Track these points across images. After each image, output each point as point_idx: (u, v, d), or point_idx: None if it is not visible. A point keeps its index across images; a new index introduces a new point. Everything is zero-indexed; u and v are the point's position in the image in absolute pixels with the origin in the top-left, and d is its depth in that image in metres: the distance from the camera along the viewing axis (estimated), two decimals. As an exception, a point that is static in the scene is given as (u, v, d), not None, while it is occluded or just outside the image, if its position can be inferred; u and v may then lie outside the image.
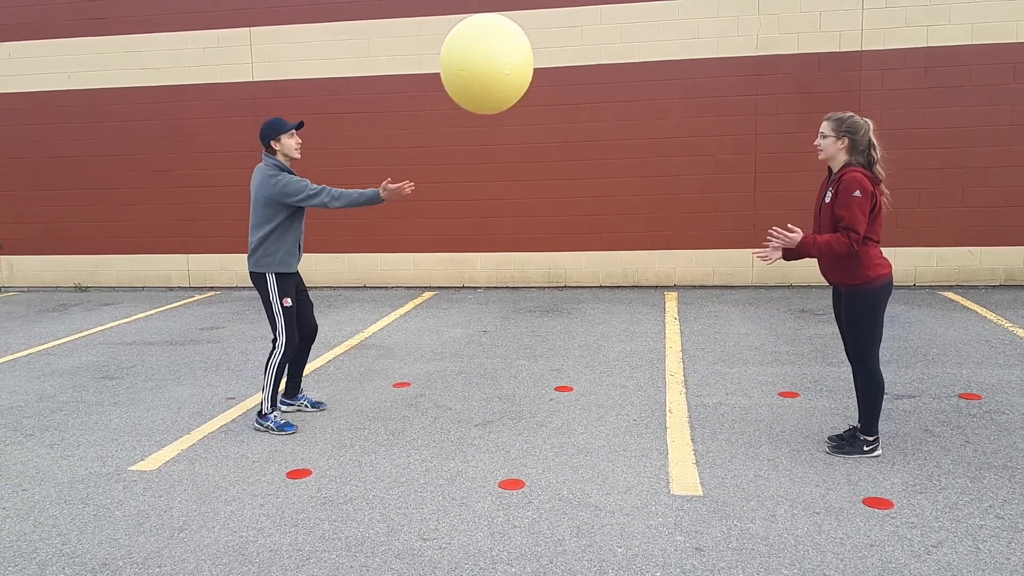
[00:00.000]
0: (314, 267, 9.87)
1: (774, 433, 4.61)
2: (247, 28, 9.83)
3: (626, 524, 3.56)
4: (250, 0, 9.78)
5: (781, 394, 5.30)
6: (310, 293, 5.30)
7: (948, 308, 7.78)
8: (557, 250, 9.61)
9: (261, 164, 4.90)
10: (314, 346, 5.44)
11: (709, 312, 7.96)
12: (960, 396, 5.13)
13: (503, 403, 5.32)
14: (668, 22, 8.98)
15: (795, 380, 5.59)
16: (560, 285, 9.70)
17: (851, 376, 4.48)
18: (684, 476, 4.05)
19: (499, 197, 9.58)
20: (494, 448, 4.52)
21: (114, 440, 4.87)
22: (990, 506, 3.62)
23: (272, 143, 4.84)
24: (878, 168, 4.01)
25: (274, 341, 4.92)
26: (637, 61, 9.09)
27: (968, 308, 7.74)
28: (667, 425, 4.79)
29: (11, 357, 7.07)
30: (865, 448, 4.19)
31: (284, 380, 5.17)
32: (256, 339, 7.44)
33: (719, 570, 3.16)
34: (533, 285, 9.76)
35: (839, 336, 4.42)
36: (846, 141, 4.00)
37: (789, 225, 4.06)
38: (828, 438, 4.40)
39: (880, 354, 4.18)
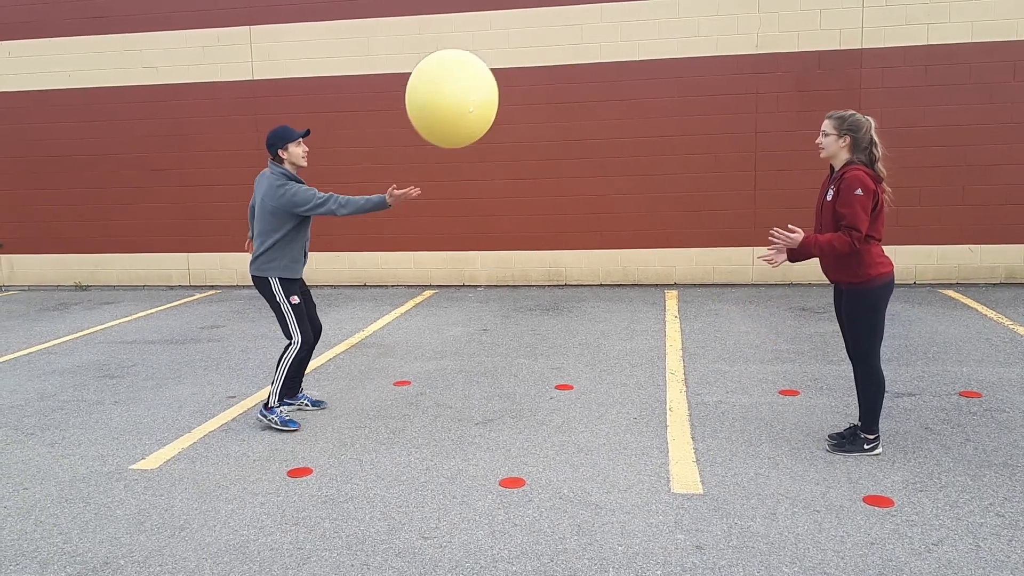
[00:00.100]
0: (315, 266, 9.87)
1: (774, 431, 4.61)
2: (247, 26, 9.82)
3: (627, 522, 3.57)
4: (250, -2, 9.79)
5: (781, 392, 5.30)
6: (311, 292, 5.31)
7: (948, 306, 7.78)
8: (557, 248, 9.61)
9: (267, 172, 4.88)
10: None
11: (709, 310, 7.96)
12: (960, 394, 5.13)
13: (504, 401, 5.32)
14: (668, 20, 8.98)
15: (795, 378, 5.59)
16: (560, 283, 9.70)
17: (851, 374, 4.49)
18: (684, 474, 4.05)
19: (499, 196, 9.58)
20: (495, 446, 4.52)
21: (115, 439, 4.88)
22: (990, 504, 3.62)
23: (279, 151, 4.83)
24: (880, 166, 4.01)
25: (288, 340, 4.94)
26: (637, 59, 9.09)
27: (968, 306, 7.74)
28: (667, 423, 4.79)
29: (12, 356, 7.08)
30: (865, 446, 4.19)
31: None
32: (257, 338, 7.44)
33: (720, 568, 3.17)
34: (533, 284, 9.76)
35: (839, 334, 4.43)
36: (848, 139, 4.00)
37: (790, 226, 4.06)
38: (828, 436, 4.41)
39: (880, 352, 4.18)
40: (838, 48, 8.72)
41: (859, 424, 4.27)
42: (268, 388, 5.78)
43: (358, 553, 3.39)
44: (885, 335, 4.32)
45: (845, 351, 4.38)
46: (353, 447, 4.60)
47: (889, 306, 4.23)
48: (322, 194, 4.75)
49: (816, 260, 4.24)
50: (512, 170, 9.52)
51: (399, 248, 9.95)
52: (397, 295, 9.47)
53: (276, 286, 4.87)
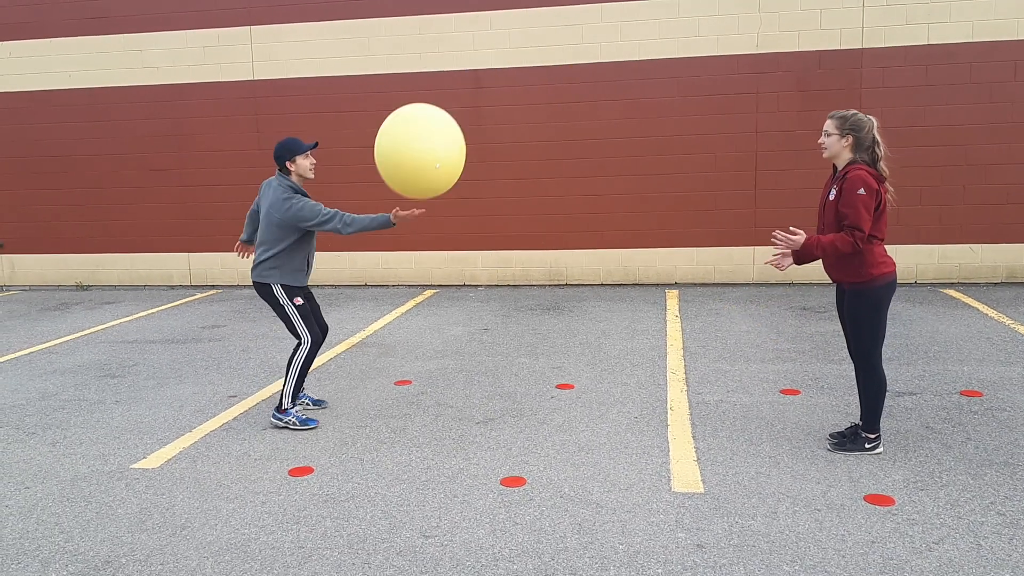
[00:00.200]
0: (315, 265, 9.82)
1: (775, 430, 4.61)
2: (247, 27, 9.83)
3: (627, 521, 3.57)
4: (251, -1, 9.80)
5: (782, 391, 5.30)
6: (313, 292, 5.31)
7: (949, 305, 7.78)
8: (558, 248, 9.62)
9: (273, 181, 4.86)
10: (315, 344, 5.45)
11: (710, 310, 7.96)
12: (961, 393, 5.13)
13: (504, 401, 5.32)
14: (668, 20, 8.98)
15: (796, 377, 5.59)
16: (561, 283, 9.70)
17: (852, 373, 4.50)
18: (685, 473, 4.05)
19: (500, 195, 9.58)
20: (495, 446, 4.53)
21: (116, 438, 4.88)
22: (991, 503, 3.62)
23: (287, 163, 4.82)
24: (882, 165, 4.00)
25: (298, 341, 4.93)
26: (638, 59, 9.09)
27: (969, 305, 7.74)
28: (668, 422, 4.79)
29: (13, 356, 7.08)
30: (866, 445, 4.19)
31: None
32: (258, 337, 7.45)
33: (720, 567, 3.17)
34: (534, 283, 9.76)
35: (840, 333, 4.43)
36: (850, 139, 4.00)
37: (791, 228, 4.06)
38: (829, 435, 4.41)
39: (882, 351, 4.18)
40: (838, 48, 8.72)
41: (860, 423, 4.27)
42: (269, 387, 5.79)
43: (359, 552, 3.40)
44: (886, 334, 4.32)
45: (846, 350, 4.37)
46: (354, 446, 4.61)
47: (890, 305, 4.23)
48: (328, 211, 4.72)
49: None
50: (513, 170, 9.52)
51: (400, 248, 9.96)
52: (398, 295, 9.47)
53: (279, 290, 4.86)
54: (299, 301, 4.90)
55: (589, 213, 9.44)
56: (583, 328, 7.34)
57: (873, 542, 3.31)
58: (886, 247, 4.13)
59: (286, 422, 4.90)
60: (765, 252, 9.10)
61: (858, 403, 4.33)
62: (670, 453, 4.32)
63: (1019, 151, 8.59)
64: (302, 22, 9.68)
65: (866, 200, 3.88)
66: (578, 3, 9.11)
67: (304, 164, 4.84)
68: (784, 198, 8.94)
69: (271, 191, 4.83)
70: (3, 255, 10.94)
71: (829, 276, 4.26)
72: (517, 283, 9.78)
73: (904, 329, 6.80)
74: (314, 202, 4.77)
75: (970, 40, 8.48)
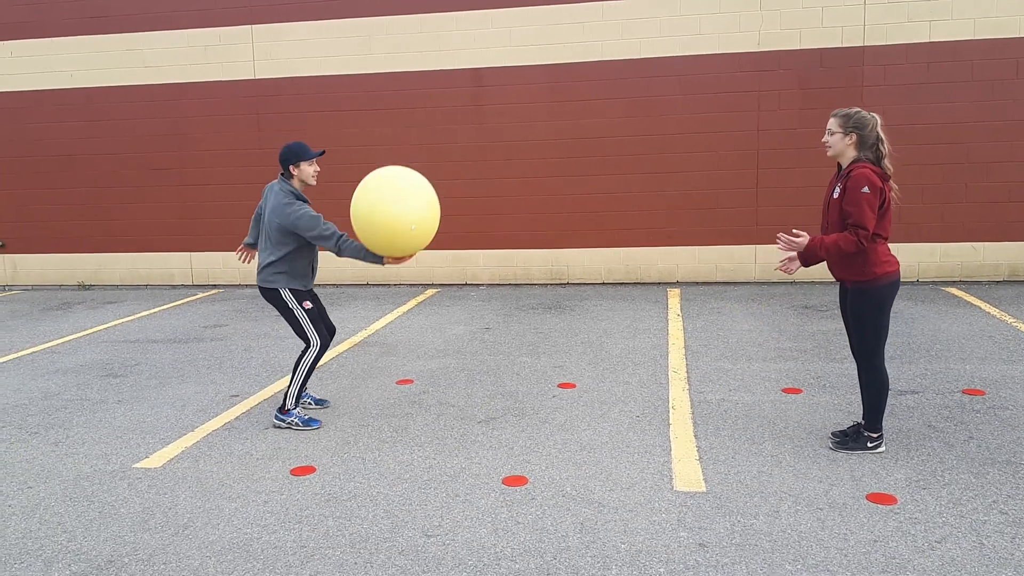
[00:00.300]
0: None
1: (777, 429, 4.61)
2: (248, 26, 9.83)
3: (629, 520, 3.57)
4: (251, -2, 9.80)
5: (784, 390, 5.30)
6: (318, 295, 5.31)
7: (951, 304, 7.77)
8: (559, 247, 9.61)
9: (275, 185, 4.85)
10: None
11: (712, 308, 7.95)
12: (963, 392, 5.13)
13: (506, 400, 5.33)
14: (670, 18, 8.97)
15: (798, 376, 5.59)
16: (562, 282, 9.70)
17: (854, 372, 4.49)
18: (687, 472, 4.05)
19: (501, 194, 9.58)
20: (497, 445, 4.53)
21: (118, 438, 4.88)
22: (994, 502, 3.62)
23: (292, 168, 4.81)
24: (887, 163, 3.99)
25: (306, 345, 4.92)
26: (639, 57, 9.08)
27: (971, 304, 7.73)
28: (670, 421, 4.79)
29: (15, 355, 7.09)
30: (869, 444, 4.19)
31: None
32: (260, 336, 7.45)
33: (722, 566, 3.17)
34: (535, 282, 9.76)
35: (842, 332, 4.43)
36: (854, 137, 3.98)
37: (794, 230, 4.05)
38: (832, 434, 4.40)
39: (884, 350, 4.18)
40: (840, 46, 8.71)
41: (862, 422, 4.26)
42: (272, 387, 5.80)
43: (361, 551, 3.40)
44: (888, 333, 4.31)
45: (848, 349, 4.37)
46: (356, 445, 4.61)
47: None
48: (328, 227, 4.69)
49: (820, 258, 4.23)
50: (514, 168, 9.52)
51: (401, 247, 9.94)
52: (399, 294, 9.48)
53: (287, 295, 4.85)
54: (308, 305, 4.90)
55: (590, 212, 9.44)
56: (585, 327, 7.34)
57: (875, 541, 3.31)
58: (889, 246, 4.12)
59: (288, 423, 4.90)
60: (767, 250, 9.09)
61: (860, 402, 4.33)
62: (672, 452, 4.32)
63: (1021, 149, 8.58)
64: (303, 21, 9.68)
65: (870, 198, 3.87)
66: (579, 1, 9.11)
67: (308, 170, 4.83)
68: (786, 196, 8.94)
69: (272, 195, 4.83)
70: (5, 255, 10.95)
71: (832, 274, 4.25)
72: (519, 282, 9.78)
73: (906, 328, 6.80)
74: (315, 213, 4.74)
75: (972, 38, 8.47)
